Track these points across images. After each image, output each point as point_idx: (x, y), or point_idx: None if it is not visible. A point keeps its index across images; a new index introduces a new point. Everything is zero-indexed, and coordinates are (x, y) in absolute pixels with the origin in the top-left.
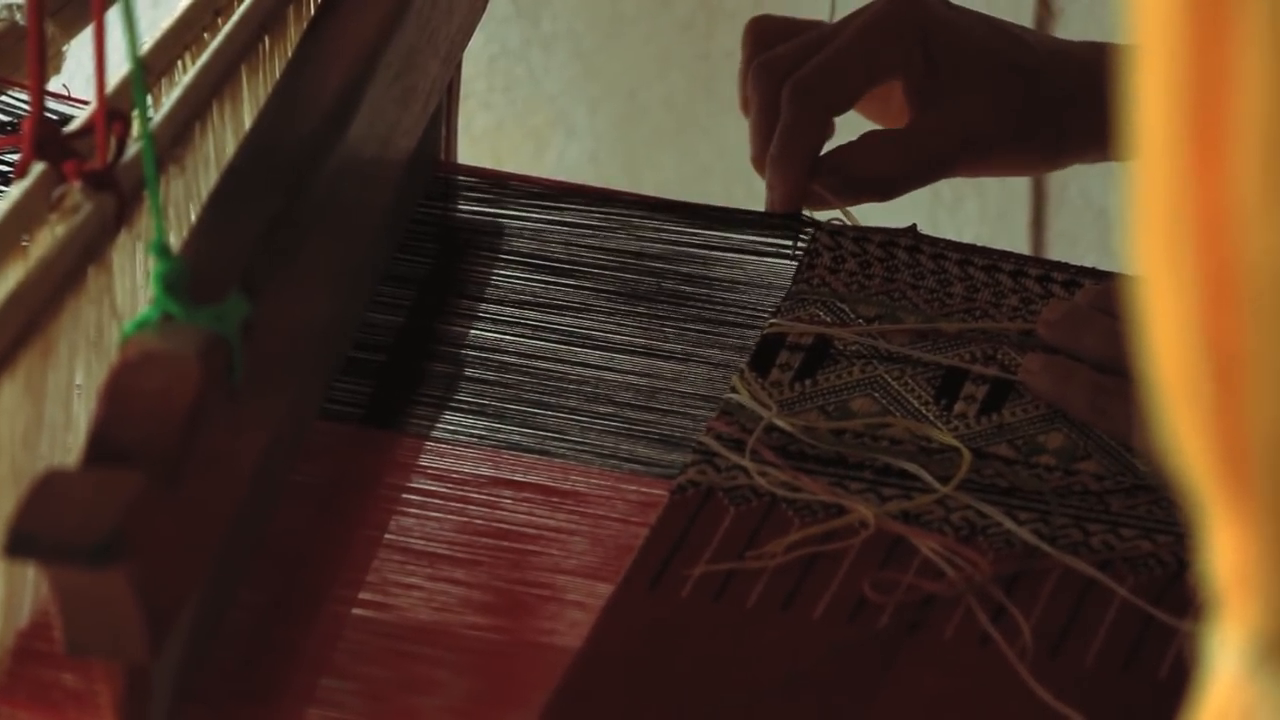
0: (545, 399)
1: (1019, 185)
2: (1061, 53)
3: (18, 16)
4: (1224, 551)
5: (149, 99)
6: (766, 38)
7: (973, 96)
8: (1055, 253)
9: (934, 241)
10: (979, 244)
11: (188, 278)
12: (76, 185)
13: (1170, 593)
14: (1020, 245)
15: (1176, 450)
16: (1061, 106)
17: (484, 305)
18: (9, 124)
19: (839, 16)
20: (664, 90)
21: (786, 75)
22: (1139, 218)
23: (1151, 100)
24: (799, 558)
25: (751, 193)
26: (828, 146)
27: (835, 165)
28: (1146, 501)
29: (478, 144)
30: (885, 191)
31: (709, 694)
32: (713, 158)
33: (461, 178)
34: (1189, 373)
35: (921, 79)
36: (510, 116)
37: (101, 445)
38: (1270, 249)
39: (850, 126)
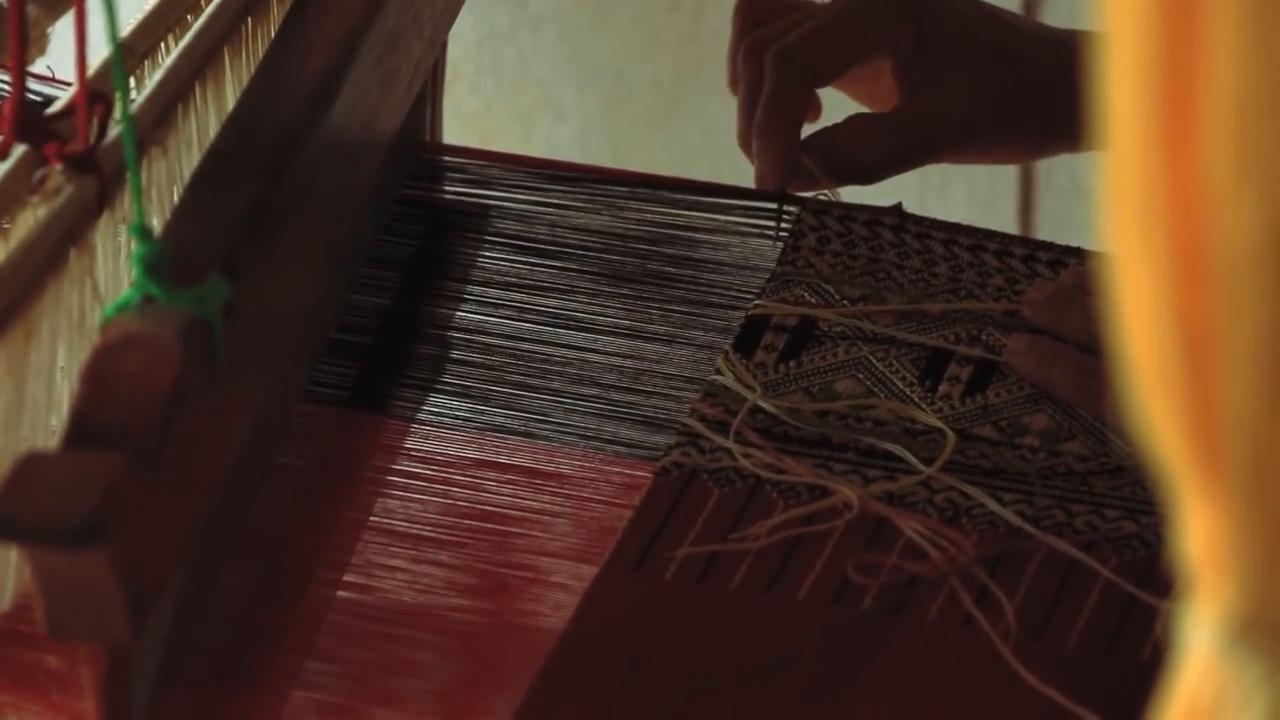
0: (529, 381)
1: (1007, 168)
2: (1050, 41)
3: None
4: (1197, 531)
5: (131, 81)
6: (757, 15)
7: (960, 82)
8: (1043, 235)
9: (919, 220)
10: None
11: (169, 260)
12: (58, 167)
13: (1154, 573)
14: (1008, 228)
15: (1150, 430)
16: (1048, 95)
17: (469, 287)
18: None
19: None
20: (652, 72)
21: None
22: (1111, 196)
23: (1122, 78)
24: (783, 539)
25: (739, 174)
26: (815, 127)
27: (820, 148)
28: (1130, 482)
29: (466, 127)
30: (869, 176)
31: (693, 676)
32: (700, 139)
33: (447, 159)
34: (1161, 352)
35: (910, 60)
36: (498, 99)
37: (82, 427)
38: (1240, 227)
39: (840, 112)
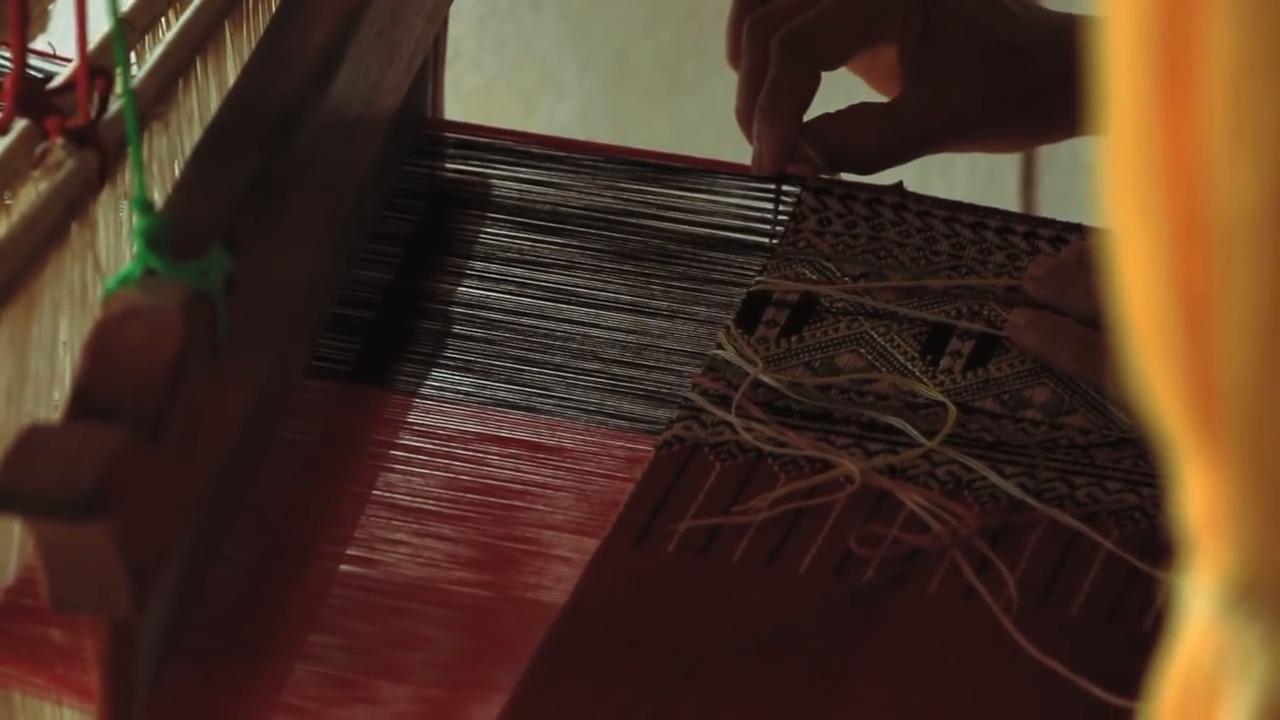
0: (532, 355)
1: None
2: (1052, 31)
3: None
4: (1196, 495)
5: (132, 56)
6: None
7: (964, 78)
8: (1046, 211)
9: (920, 198)
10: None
11: (170, 233)
12: (59, 142)
13: (1155, 545)
14: (1011, 204)
15: (1149, 395)
16: (1048, 89)
17: (471, 262)
18: None
19: None
20: (653, 49)
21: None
22: (1109, 163)
23: (1121, 44)
24: (784, 512)
25: (740, 151)
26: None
27: (819, 136)
28: (1132, 454)
29: (467, 104)
30: (867, 166)
31: (694, 648)
32: (701, 116)
33: (449, 135)
34: (1159, 317)
35: (915, 48)
36: (500, 77)
37: (84, 400)
38: (1238, 192)
39: (840, 93)
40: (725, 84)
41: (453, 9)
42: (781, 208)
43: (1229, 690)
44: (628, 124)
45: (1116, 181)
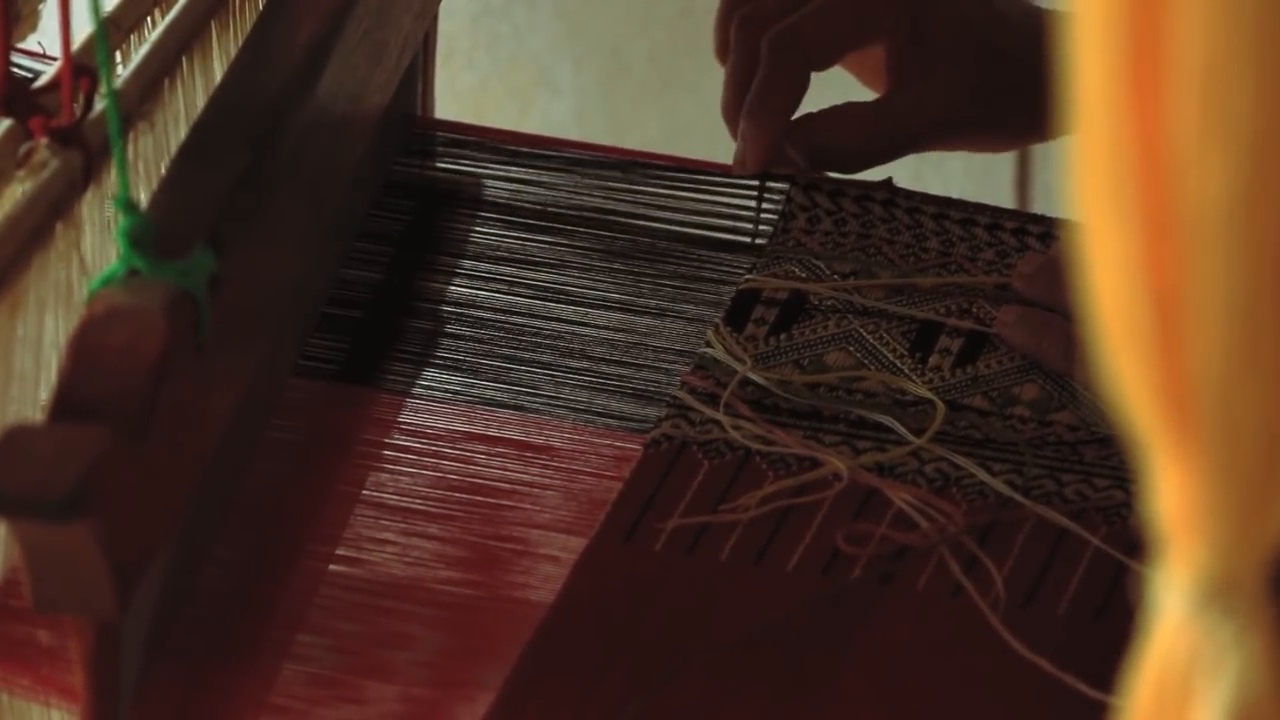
0: (520, 354)
1: None
2: (1037, 30)
3: None
4: (1168, 493)
5: (118, 55)
6: None
7: (950, 80)
8: (1041, 208)
9: (909, 195)
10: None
11: (154, 233)
12: (43, 141)
13: (1143, 542)
14: (1005, 201)
15: (1121, 391)
16: (1034, 91)
17: (461, 261)
18: None
19: None
20: (647, 46)
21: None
22: (1080, 158)
23: (1090, 39)
24: (773, 511)
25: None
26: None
27: (804, 135)
28: (1120, 451)
29: (462, 103)
30: (851, 166)
31: (682, 647)
32: (696, 114)
33: (439, 134)
34: (1130, 313)
35: (904, 49)
36: (494, 75)
37: (67, 401)
38: (1208, 187)
39: (828, 90)
40: (719, 81)
41: (447, 7)
42: (766, 206)
43: (1203, 688)
44: (623, 122)
45: (1087, 176)
